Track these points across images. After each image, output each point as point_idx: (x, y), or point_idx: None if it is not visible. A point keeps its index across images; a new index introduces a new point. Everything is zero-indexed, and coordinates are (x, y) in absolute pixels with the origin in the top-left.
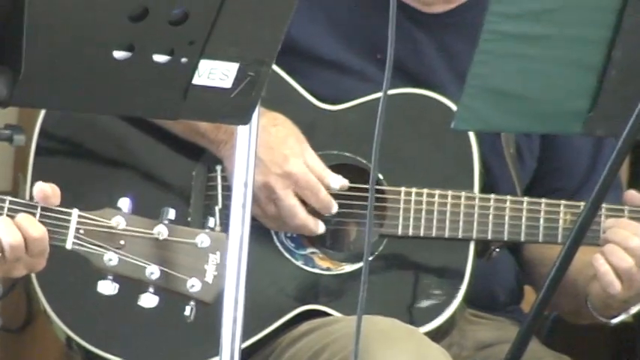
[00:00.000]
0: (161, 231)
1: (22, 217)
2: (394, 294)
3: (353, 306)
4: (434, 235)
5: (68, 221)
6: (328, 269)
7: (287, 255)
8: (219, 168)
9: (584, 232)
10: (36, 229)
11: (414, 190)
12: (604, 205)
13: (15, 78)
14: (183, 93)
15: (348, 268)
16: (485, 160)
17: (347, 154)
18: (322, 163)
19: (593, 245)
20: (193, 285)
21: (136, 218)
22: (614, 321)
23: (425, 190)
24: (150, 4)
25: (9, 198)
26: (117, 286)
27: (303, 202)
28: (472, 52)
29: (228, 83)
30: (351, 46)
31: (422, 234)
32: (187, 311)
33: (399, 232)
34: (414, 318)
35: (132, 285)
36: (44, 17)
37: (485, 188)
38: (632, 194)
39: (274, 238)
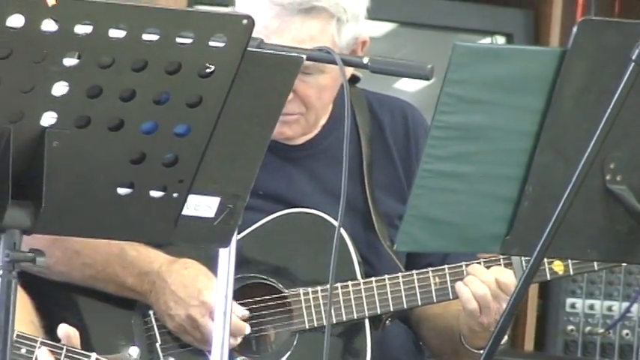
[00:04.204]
0: None
1: None
2: None
3: None
4: (335, 321)
5: None
6: None
7: None
8: (151, 312)
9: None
10: None
11: (309, 289)
12: (464, 263)
13: (37, 211)
14: (175, 222)
15: None
16: (364, 255)
17: (251, 274)
18: None
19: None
20: None
21: None
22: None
23: (318, 288)
24: (147, 150)
25: (40, 339)
26: None
27: None
28: (333, 172)
29: (211, 214)
30: None
31: (325, 323)
32: None
33: (307, 326)
34: None
35: None
36: (61, 162)
37: (369, 277)
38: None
39: (209, 356)
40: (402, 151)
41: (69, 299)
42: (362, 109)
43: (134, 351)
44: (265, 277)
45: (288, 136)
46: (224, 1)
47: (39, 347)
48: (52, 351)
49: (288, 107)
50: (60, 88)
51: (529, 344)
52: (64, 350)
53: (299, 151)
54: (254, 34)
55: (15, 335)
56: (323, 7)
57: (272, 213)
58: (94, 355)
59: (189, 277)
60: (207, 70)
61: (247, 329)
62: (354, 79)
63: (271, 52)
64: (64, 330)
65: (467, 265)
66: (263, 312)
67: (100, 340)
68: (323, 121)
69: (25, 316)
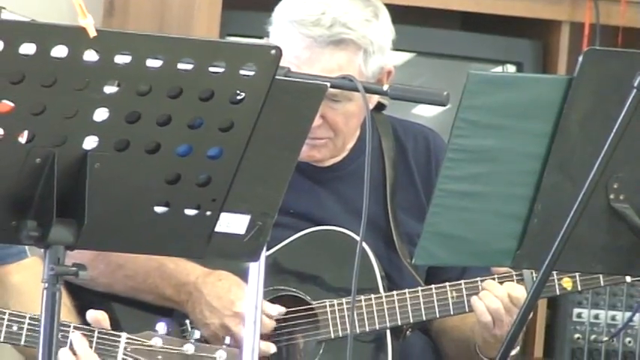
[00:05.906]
0: (189, 348)
1: (81, 349)
2: None
3: None
4: (358, 331)
5: (118, 342)
6: None
7: None
8: (187, 321)
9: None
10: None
11: (335, 301)
12: (479, 279)
13: (79, 228)
14: (208, 238)
15: None
16: (386, 271)
17: (281, 287)
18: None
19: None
20: None
21: (169, 338)
22: None
23: (343, 300)
24: (182, 171)
25: (73, 324)
26: None
27: None
28: (359, 193)
29: (242, 230)
30: None
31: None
32: None
33: (332, 335)
34: None
35: None
36: (102, 182)
37: (390, 290)
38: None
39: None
40: (424, 174)
41: (109, 307)
42: (387, 134)
43: (161, 327)
44: (295, 290)
45: (317, 159)
46: (255, 33)
47: (72, 332)
48: (84, 334)
49: (317, 132)
50: (101, 114)
51: (538, 352)
52: (96, 332)
53: (327, 173)
54: (286, 64)
55: None
56: (351, 40)
57: (301, 230)
58: (124, 334)
59: (223, 289)
60: (238, 97)
61: (273, 348)
62: (380, 107)
63: (297, 79)
64: (92, 315)
65: (482, 281)
66: (293, 322)
67: None
68: (350, 145)
69: None
